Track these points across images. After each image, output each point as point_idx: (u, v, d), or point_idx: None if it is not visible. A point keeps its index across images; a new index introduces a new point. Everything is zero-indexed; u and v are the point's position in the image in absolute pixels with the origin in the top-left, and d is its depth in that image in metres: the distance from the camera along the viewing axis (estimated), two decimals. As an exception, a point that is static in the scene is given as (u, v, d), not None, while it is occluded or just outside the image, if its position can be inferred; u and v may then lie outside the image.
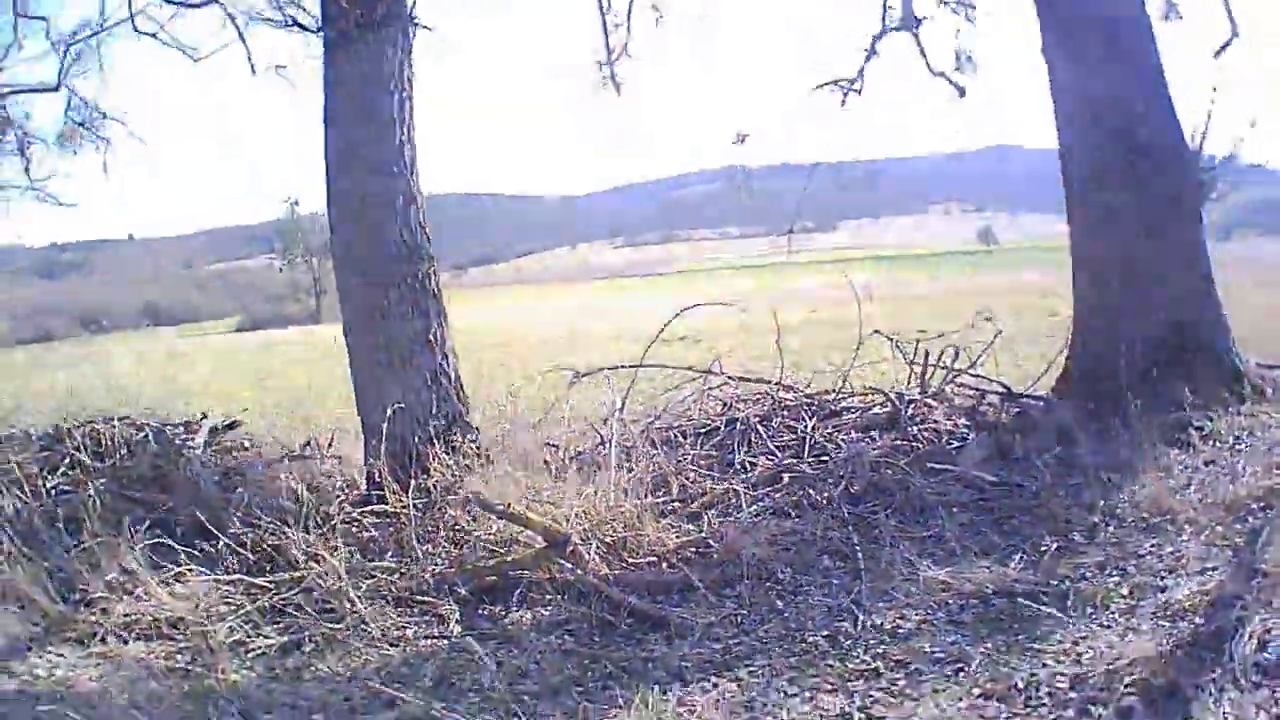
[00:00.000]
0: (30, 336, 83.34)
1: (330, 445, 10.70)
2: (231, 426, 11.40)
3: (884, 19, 14.68)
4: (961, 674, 5.70)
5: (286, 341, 33.15)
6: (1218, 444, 9.39)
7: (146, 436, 10.85)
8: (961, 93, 15.19)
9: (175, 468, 10.16)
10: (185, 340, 35.20)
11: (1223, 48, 13.44)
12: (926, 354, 10.88)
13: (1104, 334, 11.19)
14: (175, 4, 12.15)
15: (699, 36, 17.61)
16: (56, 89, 12.35)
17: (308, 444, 10.62)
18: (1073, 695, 5.32)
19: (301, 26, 10.00)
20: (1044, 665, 5.70)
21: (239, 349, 25.71)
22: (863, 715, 5.42)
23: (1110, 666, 5.44)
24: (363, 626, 6.96)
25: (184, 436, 10.87)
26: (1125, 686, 5.24)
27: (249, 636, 7.03)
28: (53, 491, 9.59)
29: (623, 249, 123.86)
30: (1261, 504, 7.65)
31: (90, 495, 8.93)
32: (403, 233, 9.61)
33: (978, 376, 11.24)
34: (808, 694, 5.73)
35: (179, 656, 6.84)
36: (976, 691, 5.49)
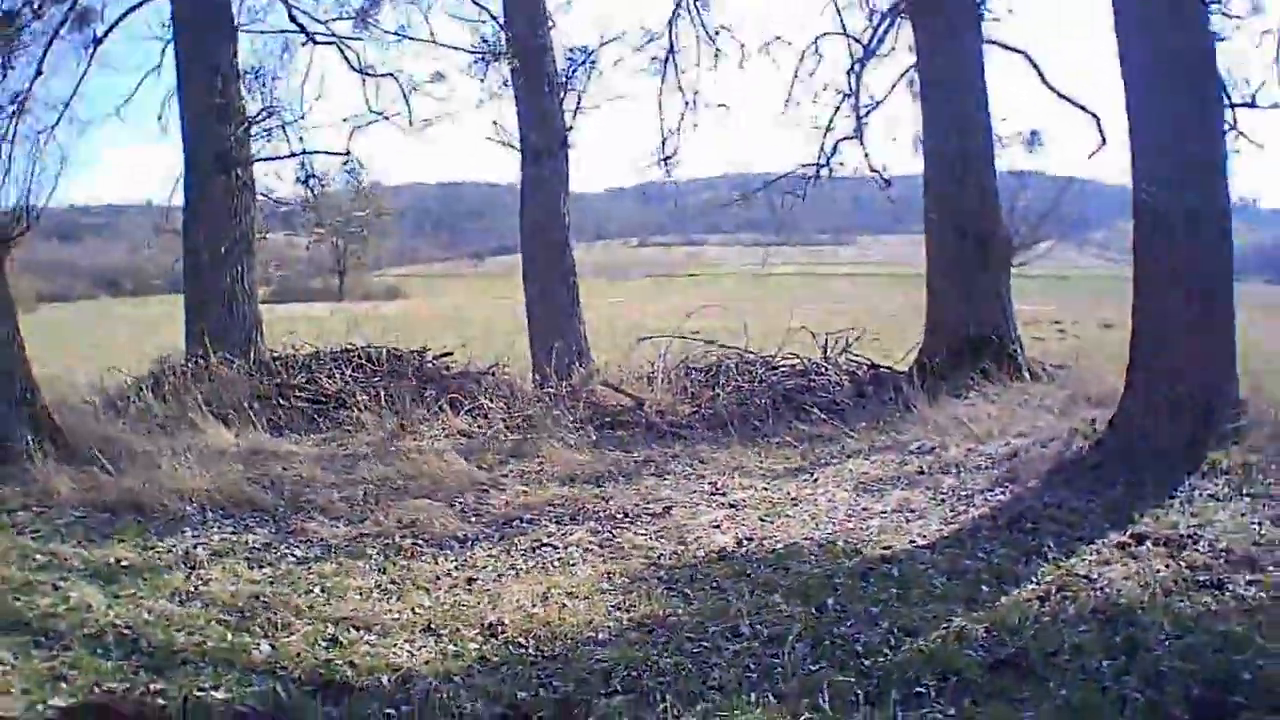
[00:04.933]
0: (49, 295, 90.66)
1: (503, 367, 20.29)
2: (448, 354, 20.71)
3: (829, 130, 23.61)
4: (794, 449, 15.06)
5: (374, 313, 40.33)
6: (983, 398, 16.76)
7: (401, 354, 20.26)
8: (888, 184, 24.12)
9: (420, 372, 19.74)
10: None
11: (1092, 154, 20.82)
12: (827, 340, 20.64)
13: (936, 335, 19.82)
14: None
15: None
16: (347, 154, 22.26)
17: (494, 365, 20.13)
18: (831, 457, 14.54)
19: (513, 148, 20.94)
20: (827, 447, 15.01)
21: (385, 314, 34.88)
22: (759, 458, 14.64)
23: (847, 449, 14.95)
24: (549, 435, 15.47)
25: (420, 358, 20.27)
26: (851, 455, 14.74)
27: (501, 436, 16.09)
28: (349, 381, 18.60)
29: (639, 249, 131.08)
30: (970, 420, 15.22)
31: (390, 384, 18.28)
32: (566, 260, 20.73)
33: (859, 356, 20.36)
34: (736, 447, 15.07)
35: (474, 441, 15.97)
36: (800, 451, 14.96)
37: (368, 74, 22.41)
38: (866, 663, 7.25)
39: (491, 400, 17.61)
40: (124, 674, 7.56)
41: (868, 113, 23.73)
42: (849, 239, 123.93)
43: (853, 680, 6.93)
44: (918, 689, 6.77)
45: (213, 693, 7.22)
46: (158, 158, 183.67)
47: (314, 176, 22.51)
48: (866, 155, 24.04)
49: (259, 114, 21.50)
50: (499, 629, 8.21)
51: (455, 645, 7.99)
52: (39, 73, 18.34)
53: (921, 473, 13.23)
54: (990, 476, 12.48)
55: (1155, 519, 10.08)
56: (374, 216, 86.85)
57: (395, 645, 8.02)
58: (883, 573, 9.28)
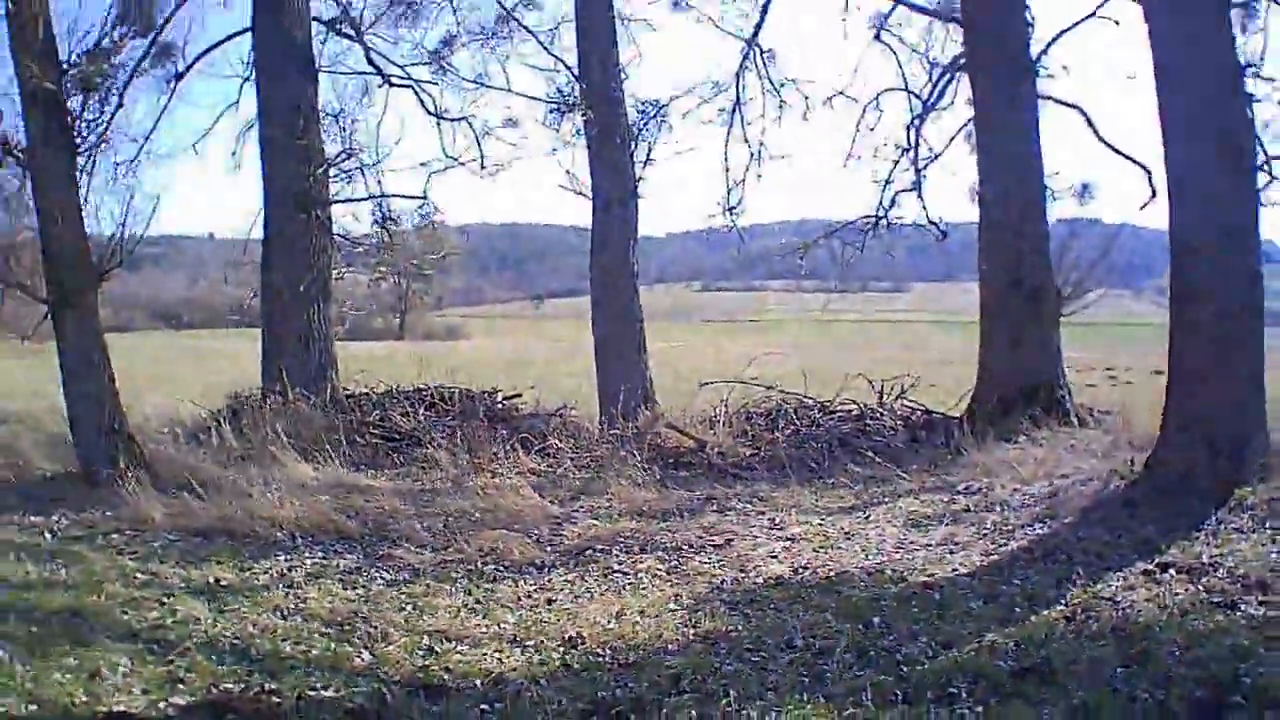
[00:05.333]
0: (109, 327, 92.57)
1: (570, 409, 21.38)
2: (517, 396, 21.77)
3: (888, 183, 24.99)
4: (849, 490, 15.92)
5: (449, 351, 41.05)
6: (1031, 442, 17.59)
7: (474, 394, 21.45)
8: (944, 236, 25.36)
9: (492, 412, 20.84)
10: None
11: (1143, 206, 21.42)
12: (883, 385, 21.50)
13: (988, 384, 20.68)
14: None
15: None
16: (423, 197, 22.86)
17: (561, 407, 21.24)
18: (884, 496, 15.50)
19: (586, 196, 22.05)
20: (880, 487, 15.87)
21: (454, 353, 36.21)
22: (815, 497, 15.66)
23: (899, 489, 15.90)
24: (616, 474, 16.40)
25: (491, 399, 21.47)
26: (902, 495, 16.08)
27: (571, 474, 17.27)
28: (423, 419, 19.85)
29: (701, 294, 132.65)
30: (1017, 463, 15.98)
31: (463, 424, 19.51)
32: (633, 307, 22.01)
33: (913, 401, 21.23)
34: (794, 486, 16.09)
35: (545, 478, 17.02)
36: (855, 491, 15.82)
37: (443, 118, 23.26)
38: (906, 669, 8.16)
39: (561, 440, 18.62)
40: (238, 677, 8.53)
41: (926, 166, 24.92)
42: (907, 286, 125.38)
43: (893, 682, 7.86)
44: (950, 690, 7.67)
45: (323, 692, 8.21)
46: (219, 189, 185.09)
47: (390, 219, 23.51)
48: (924, 208, 25.25)
49: (338, 155, 22.57)
50: (578, 641, 9.20)
51: (540, 655, 8.98)
52: (120, 105, 18.94)
53: (968, 510, 14.09)
54: (1031, 513, 13.31)
55: (1181, 550, 10.87)
56: (441, 258, 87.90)
57: (485, 654, 9.00)
58: (925, 596, 10.20)
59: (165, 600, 10.65)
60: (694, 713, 7.60)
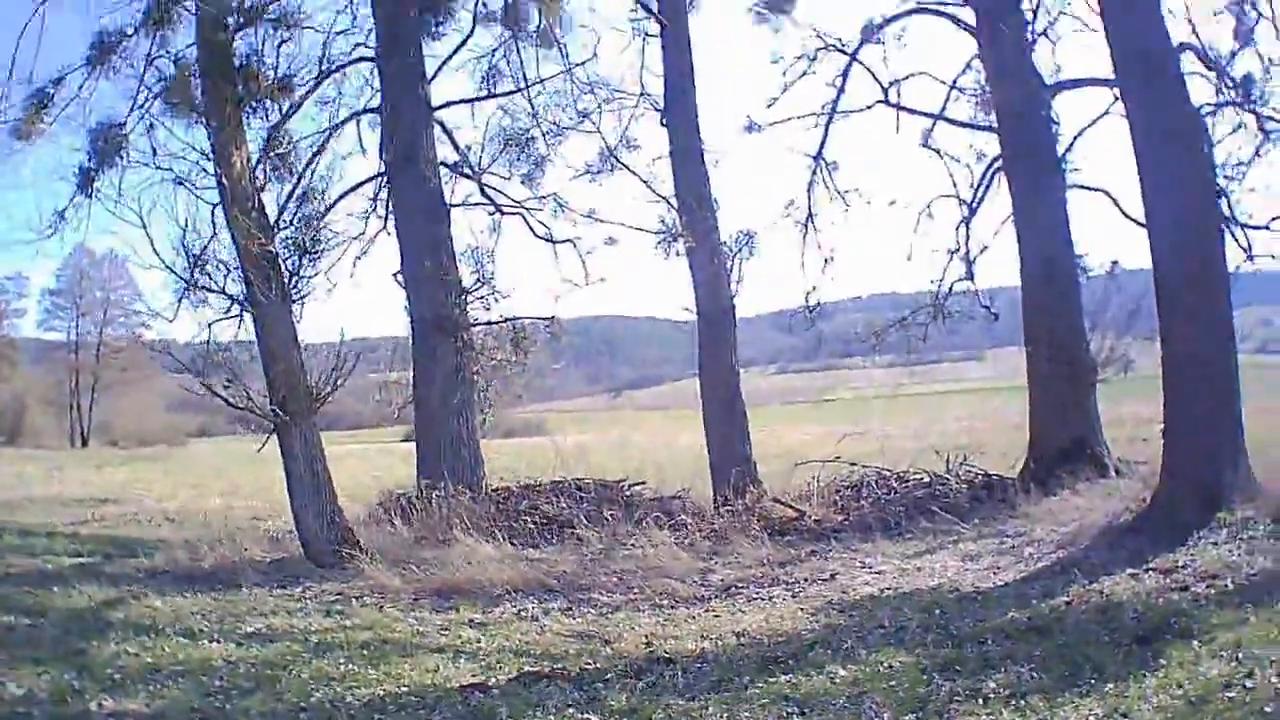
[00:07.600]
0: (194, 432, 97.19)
1: (687, 492, 26.09)
2: (642, 483, 26.20)
3: (943, 277, 30.32)
4: (921, 541, 20.71)
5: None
6: (1072, 493, 22.01)
7: (608, 484, 25.98)
8: (996, 317, 30.09)
9: (624, 498, 25.51)
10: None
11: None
12: (949, 455, 25.94)
13: (1036, 444, 25.28)
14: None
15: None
16: (551, 318, 28.20)
17: (680, 491, 25.85)
18: (949, 543, 20.11)
19: (691, 312, 27.12)
20: (946, 538, 20.55)
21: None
22: (895, 546, 20.14)
23: (961, 537, 20.61)
24: (735, 544, 20.78)
25: (620, 486, 26.10)
26: (963, 541, 20.84)
27: (699, 542, 21.49)
28: (566, 506, 24.18)
29: (774, 376, 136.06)
30: (1057, 510, 21.23)
31: (599, 509, 24.05)
32: (737, 403, 27.49)
33: (974, 466, 25.67)
34: (879, 541, 20.69)
35: (680, 545, 21.18)
36: (926, 542, 20.44)
37: (552, 241, 28.56)
38: (955, 632, 12.90)
39: (686, 516, 23.13)
40: (530, 664, 13.18)
41: (975, 258, 29.89)
42: (979, 354, 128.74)
43: (944, 638, 12.68)
44: (981, 640, 12.38)
45: (591, 668, 12.85)
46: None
47: (524, 337, 28.34)
48: (979, 295, 30.41)
49: (475, 284, 27.34)
50: (744, 633, 14.01)
51: (721, 641, 13.70)
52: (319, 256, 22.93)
53: (1012, 548, 18.68)
54: (1057, 543, 18.09)
55: (1163, 559, 15.18)
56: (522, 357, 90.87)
57: (685, 644, 13.67)
58: (972, 598, 14.99)
59: (444, 632, 15.15)
60: (827, 654, 12.47)
